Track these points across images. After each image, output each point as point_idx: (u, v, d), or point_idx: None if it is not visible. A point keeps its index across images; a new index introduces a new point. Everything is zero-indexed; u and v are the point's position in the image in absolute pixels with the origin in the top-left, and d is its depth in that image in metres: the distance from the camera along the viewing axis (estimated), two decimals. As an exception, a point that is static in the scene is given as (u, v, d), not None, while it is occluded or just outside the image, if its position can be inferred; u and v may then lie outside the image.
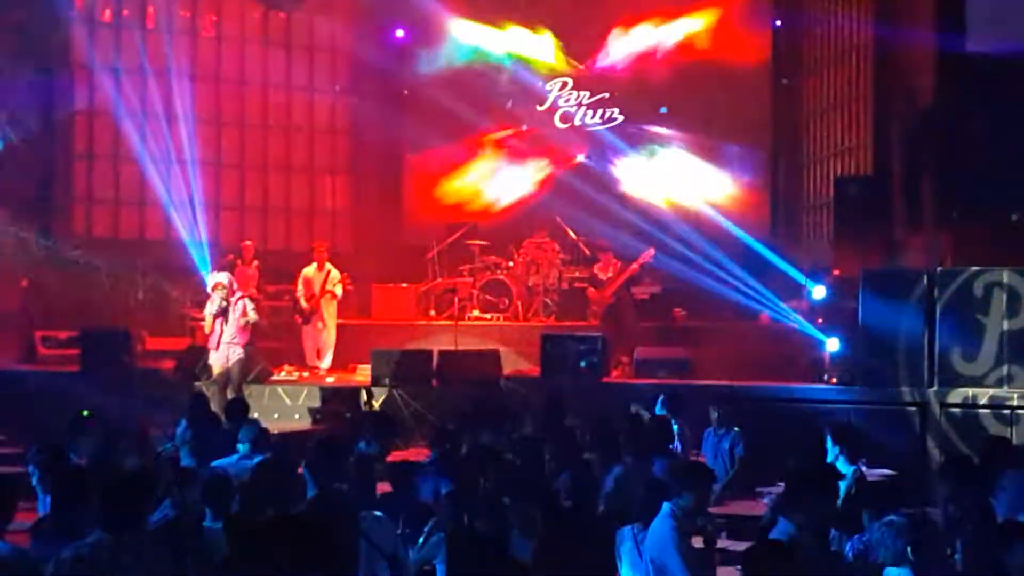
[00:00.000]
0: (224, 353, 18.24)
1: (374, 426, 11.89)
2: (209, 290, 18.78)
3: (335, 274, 21.43)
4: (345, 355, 21.60)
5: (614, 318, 20.92)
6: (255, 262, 21.99)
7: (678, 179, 24.81)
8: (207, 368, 18.87)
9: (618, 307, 21.06)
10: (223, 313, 18.24)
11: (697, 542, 9.21)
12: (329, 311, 21.46)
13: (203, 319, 18.76)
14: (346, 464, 9.71)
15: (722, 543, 10.72)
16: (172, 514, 8.89)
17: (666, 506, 8.62)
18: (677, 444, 13.27)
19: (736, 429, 14.41)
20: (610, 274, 21.19)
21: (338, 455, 9.36)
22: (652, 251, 21.32)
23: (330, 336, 21.51)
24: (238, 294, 18.56)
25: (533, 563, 8.48)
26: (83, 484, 8.08)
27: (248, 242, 22.53)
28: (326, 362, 21.35)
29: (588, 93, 25.82)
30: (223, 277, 18.83)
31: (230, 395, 17.60)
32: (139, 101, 24.28)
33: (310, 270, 21.53)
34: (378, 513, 8.91)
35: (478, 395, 16.52)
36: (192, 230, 23.28)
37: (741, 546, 10.58)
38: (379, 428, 11.82)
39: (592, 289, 21.39)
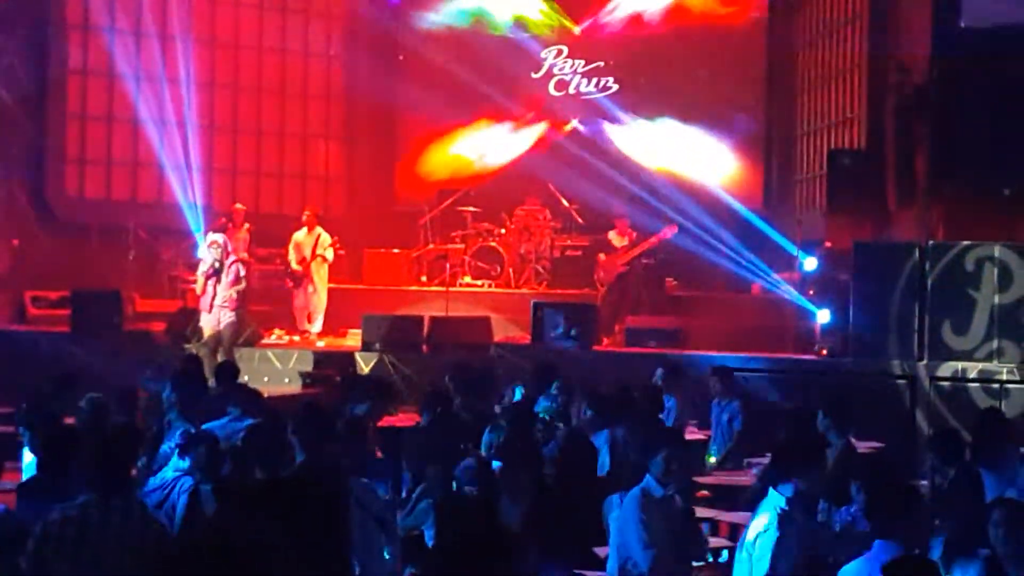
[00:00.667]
0: (215, 316, 18.27)
1: (371, 389, 11.88)
2: (204, 249, 18.79)
3: (325, 238, 21.42)
4: (336, 319, 21.61)
5: (621, 287, 20.96)
6: (246, 225, 21.95)
7: (672, 147, 24.72)
8: (198, 330, 18.88)
9: (628, 277, 21.08)
10: (216, 274, 18.26)
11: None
12: (320, 275, 21.46)
13: (195, 280, 18.78)
14: (334, 428, 9.71)
15: (711, 514, 10.78)
16: (170, 477, 8.90)
17: (646, 478, 8.60)
18: (671, 415, 13.29)
19: (736, 401, 14.39)
20: (625, 242, 21.20)
21: (324, 419, 9.35)
22: (675, 228, 21.33)
23: (321, 300, 21.51)
24: (232, 257, 18.58)
25: (522, 529, 8.49)
26: (71, 445, 8.08)
27: (239, 206, 22.47)
28: (316, 326, 21.36)
29: (583, 61, 25.75)
30: (219, 237, 18.83)
31: (220, 358, 17.59)
32: (133, 62, 24.20)
33: (300, 234, 21.54)
34: (365, 480, 8.92)
35: (468, 361, 16.52)
36: (185, 193, 23.25)
37: (730, 516, 10.65)
38: (375, 392, 11.82)
39: (603, 255, 21.38)
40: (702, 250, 21.81)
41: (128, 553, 6.94)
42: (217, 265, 18.29)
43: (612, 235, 21.48)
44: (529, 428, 10.78)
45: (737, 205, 22.62)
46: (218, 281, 18.24)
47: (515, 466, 9.36)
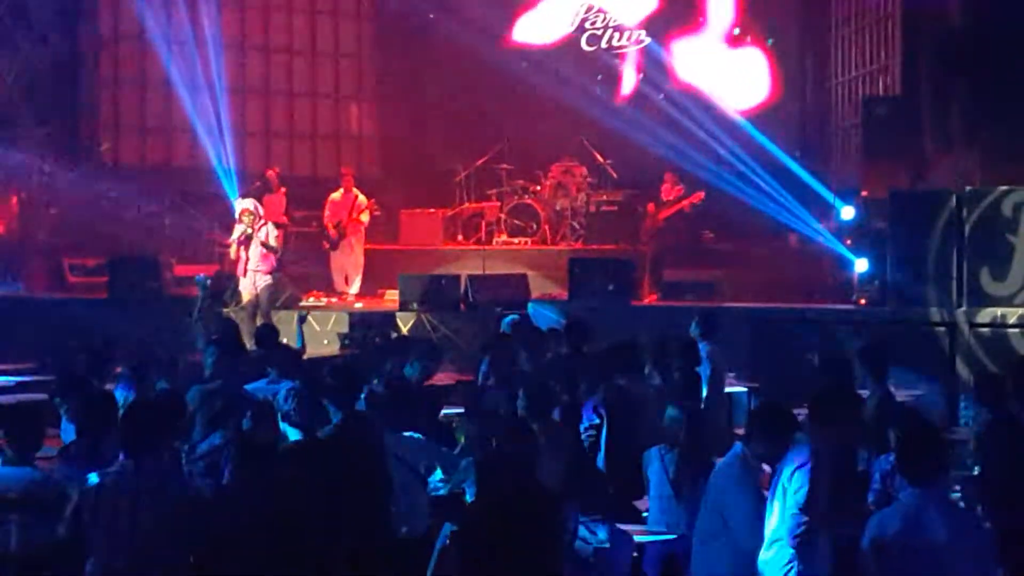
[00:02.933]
0: (251, 280, 18.38)
1: (418, 349, 11.89)
2: (236, 216, 18.85)
3: (362, 199, 21.43)
4: (373, 280, 21.65)
5: (659, 242, 20.94)
6: (282, 188, 21.95)
7: (709, 89, 24.45)
8: (236, 294, 18.95)
9: (665, 232, 21.06)
10: (248, 239, 18.35)
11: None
12: (357, 237, 21.48)
13: (230, 245, 18.85)
14: (363, 388, 9.75)
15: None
16: (219, 442, 8.91)
17: (737, 446, 8.54)
18: (707, 366, 13.24)
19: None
20: (671, 198, 21.16)
21: (353, 380, 9.36)
22: (702, 194, 21.26)
23: (358, 261, 21.54)
24: (262, 221, 18.62)
25: (562, 485, 8.49)
26: (108, 411, 8.11)
27: (274, 170, 22.44)
28: (354, 287, 21.40)
29: (614, 16, 25.63)
30: (249, 203, 18.91)
31: (259, 322, 17.65)
32: (164, 26, 24.22)
33: (337, 196, 21.54)
34: (412, 434, 8.94)
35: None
36: (219, 157, 23.29)
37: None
38: (423, 351, 11.83)
39: (652, 204, 21.33)
40: (740, 198, 21.71)
41: (163, 516, 6.98)
42: (249, 231, 18.38)
43: (663, 188, 21.40)
44: (566, 384, 10.77)
45: (777, 149, 22.35)
46: (249, 247, 18.34)
47: (550, 422, 9.36)
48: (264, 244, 18.40)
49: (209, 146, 23.37)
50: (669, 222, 21.15)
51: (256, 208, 18.80)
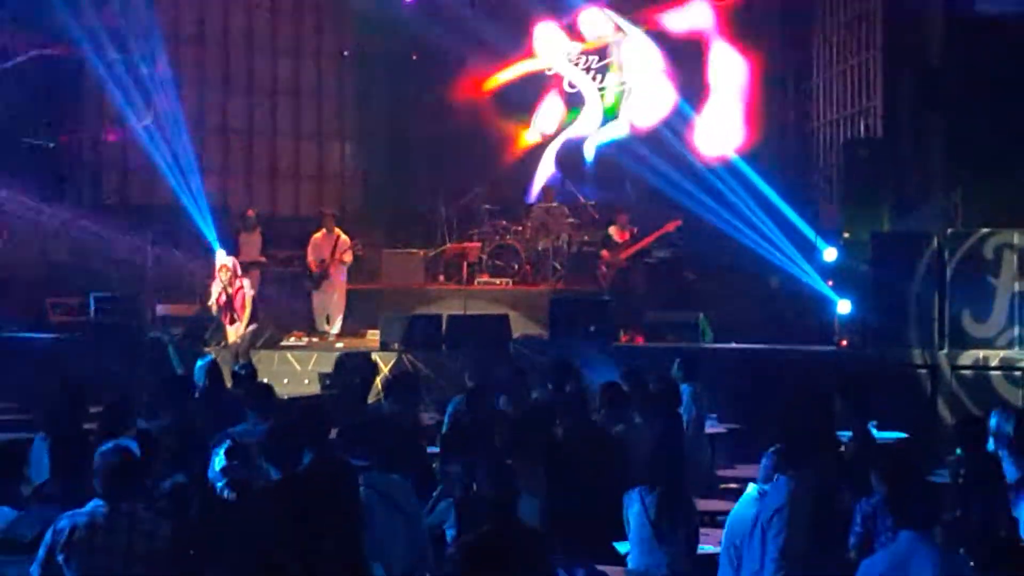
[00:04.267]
0: (236, 327, 18.57)
1: (398, 388, 11.86)
2: (216, 270, 18.98)
3: (344, 239, 21.43)
4: (355, 320, 21.61)
5: (624, 283, 20.90)
6: (258, 229, 21.94)
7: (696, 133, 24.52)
8: (218, 334, 18.93)
9: (629, 272, 21.03)
10: (228, 302, 18.53)
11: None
12: (339, 276, 21.47)
13: (211, 307, 18.98)
14: (336, 426, 9.75)
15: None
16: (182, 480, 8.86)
17: (754, 488, 8.50)
18: (689, 407, 13.23)
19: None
20: (627, 238, 21.14)
21: (325, 419, 9.35)
22: (677, 222, 21.28)
23: (340, 301, 21.52)
24: (239, 280, 18.77)
25: (541, 524, 8.46)
26: (84, 451, 8.07)
27: (251, 212, 22.41)
28: (335, 327, 21.37)
29: (597, 57, 25.74)
30: (229, 260, 18.98)
31: (240, 360, 17.63)
32: (147, 67, 24.24)
33: (319, 236, 21.54)
34: (395, 476, 8.90)
35: (488, 359, 16.50)
36: (201, 196, 23.27)
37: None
38: (401, 390, 11.80)
39: (605, 251, 21.34)
40: (724, 238, 21.74)
41: (137, 558, 6.94)
42: (229, 290, 18.56)
43: (612, 230, 21.41)
44: (545, 423, 10.74)
45: (764, 185, 22.28)
46: (231, 309, 18.55)
47: (530, 461, 9.33)
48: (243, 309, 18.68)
49: (191, 185, 23.37)
50: (631, 260, 21.12)
51: (235, 266, 18.90)
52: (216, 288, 18.94)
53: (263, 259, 21.63)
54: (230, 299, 18.73)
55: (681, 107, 24.67)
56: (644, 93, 25.29)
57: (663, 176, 23.26)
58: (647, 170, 23.57)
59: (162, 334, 18.95)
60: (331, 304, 21.48)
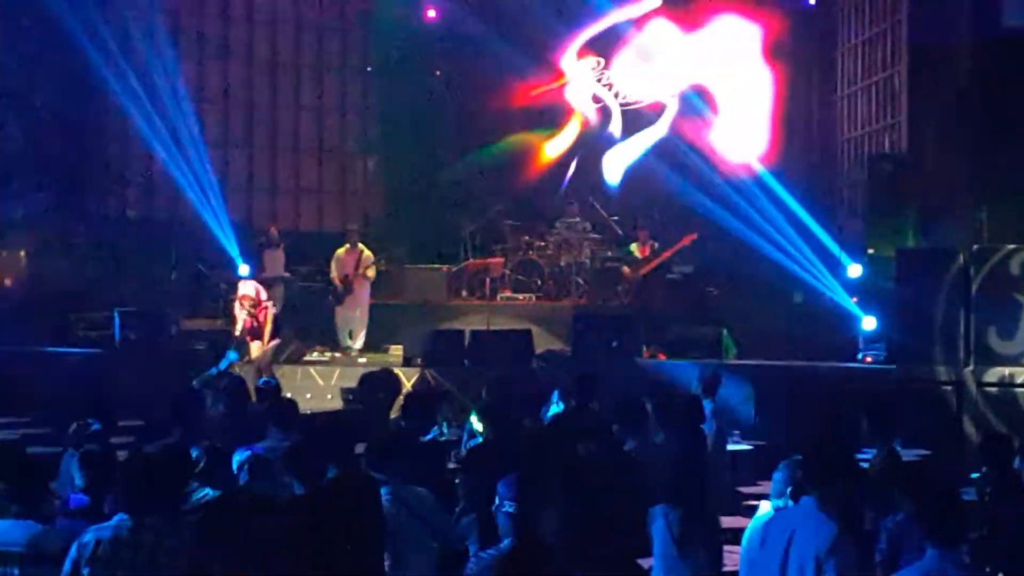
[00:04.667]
0: (261, 344, 18.58)
1: (416, 403, 11.85)
2: (238, 297, 18.97)
3: (367, 255, 21.44)
4: (378, 336, 21.62)
5: (644, 298, 20.87)
6: (281, 245, 21.98)
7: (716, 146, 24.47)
8: (240, 349, 18.93)
9: (648, 287, 21.00)
10: (252, 331, 18.57)
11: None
12: (362, 292, 21.48)
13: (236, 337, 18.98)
14: (359, 441, 9.71)
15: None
16: (212, 495, 8.85)
17: (771, 507, 8.46)
18: (711, 423, 13.18)
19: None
20: (647, 253, 21.12)
21: (348, 433, 9.33)
22: (693, 236, 21.26)
23: (363, 317, 21.54)
24: (264, 304, 18.77)
25: (560, 540, 8.43)
26: (109, 465, 8.08)
27: (274, 228, 22.45)
28: (359, 343, 21.37)
29: (620, 72, 25.75)
30: (250, 288, 18.93)
31: (264, 375, 17.64)
32: (171, 83, 24.35)
33: (342, 251, 21.56)
34: (420, 489, 8.88)
35: (510, 376, 16.47)
36: (225, 211, 23.35)
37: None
38: (421, 406, 11.78)
39: (626, 267, 21.33)
40: (748, 253, 21.71)
41: (160, 574, 6.93)
42: (255, 314, 18.59)
43: (634, 246, 21.40)
44: (564, 439, 10.71)
45: (790, 199, 22.22)
46: (257, 319, 18.57)
47: (550, 477, 9.30)
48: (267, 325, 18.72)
49: (215, 201, 23.43)
50: (650, 275, 21.08)
51: (257, 292, 18.88)
52: (241, 315, 18.92)
53: (287, 275, 21.70)
54: (256, 324, 18.73)
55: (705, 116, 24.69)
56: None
57: (686, 190, 23.26)
58: (670, 183, 23.59)
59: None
60: (354, 319, 21.50)
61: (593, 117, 25.82)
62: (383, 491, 8.64)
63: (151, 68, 24.18)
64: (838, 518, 7.46)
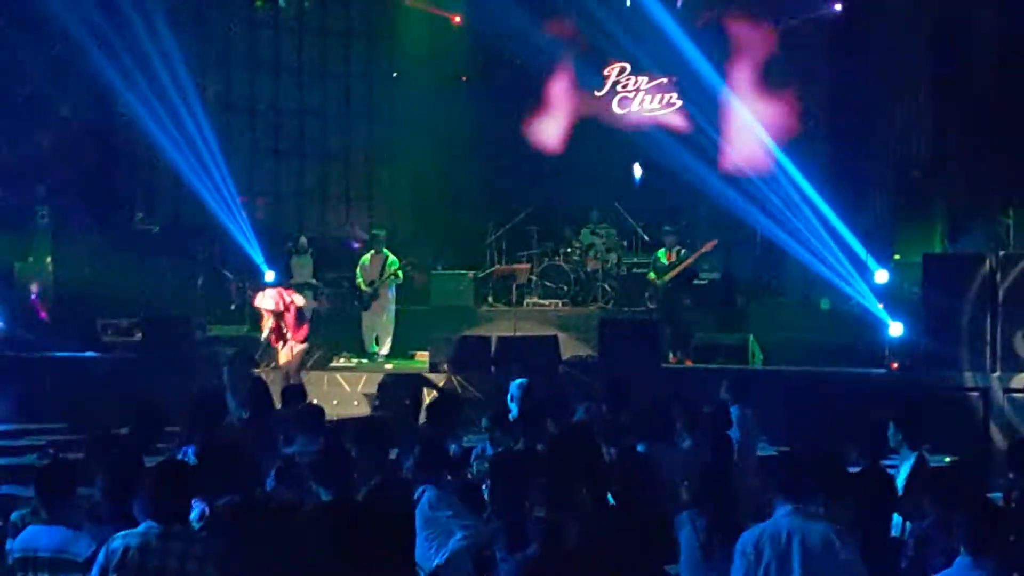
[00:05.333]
0: (288, 347, 18.46)
1: (441, 410, 11.86)
2: (263, 299, 18.90)
3: (393, 260, 21.45)
4: (404, 342, 21.63)
5: (671, 304, 20.83)
6: (309, 252, 22.02)
7: (745, 146, 24.43)
8: (268, 354, 18.95)
9: (675, 294, 20.96)
10: (279, 332, 18.45)
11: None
12: (388, 297, 21.50)
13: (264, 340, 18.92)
14: (395, 446, 9.72)
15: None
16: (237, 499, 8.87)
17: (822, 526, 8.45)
18: (737, 430, 13.17)
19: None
20: (673, 259, 21.09)
21: (387, 438, 9.35)
22: (714, 242, 21.23)
23: (389, 323, 21.54)
24: (291, 303, 18.68)
25: (585, 545, 8.42)
26: (136, 470, 8.10)
27: (303, 236, 22.45)
28: (385, 348, 21.39)
29: (646, 78, 25.75)
30: (269, 302, 18.80)
31: (292, 381, 17.65)
32: (197, 89, 24.46)
33: (367, 257, 21.57)
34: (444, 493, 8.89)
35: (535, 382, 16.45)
36: (252, 218, 23.41)
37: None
38: (446, 412, 11.78)
39: (652, 273, 21.31)
40: (773, 258, 21.68)
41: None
42: (282, 323, 18.52)
43: (661, 253, 21.34)
44: (590, 445, 10.69)
45: (819, 199, 22.17)
46: (283, 321, 18.48)
47: (578, 483, 9.29)
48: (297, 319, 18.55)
49: (242, 207, 23.51)
50: (675, 282, 21.03)
51: (279, 298, 18.73)
52: (267, 323, 18.83)
53: (315, 282, 21.76)
54: (282, 331, 18.63)
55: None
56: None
57: (711, 195, 23.26)
58: (695, 189, 23.59)
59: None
60: (380, 325, 21.51)
61: (619, 122, 25.83)
62: (428, 491, 8.65)
63: (177, 75, 24.29)
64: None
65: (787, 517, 7.76)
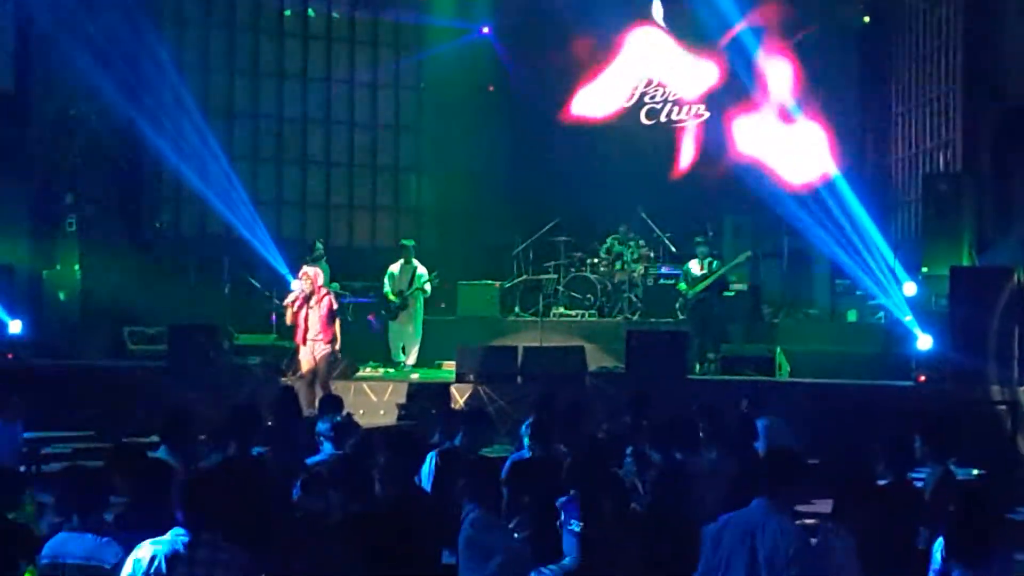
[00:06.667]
0: (310, 349, 18.27)
1: (467, 421, 11.84)
2: (295, 282, 18.82)
3: (422, 271, 21.46)
4: (431, 351, 21.64)
5: (700, 315, 20.80)
6: (324, 258, 21.94)
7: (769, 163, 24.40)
8: (293, 363, 18.97)
9: (705, 305, 20.92)
10: (305, 301, 18.24)
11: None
12: (415, 307, 21.51)
13: (287, 307, 18.71)
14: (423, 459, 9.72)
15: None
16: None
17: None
18: (763, 442, 13.15)
19: None
20: (704, 271, 21.05)
21: (416, 450, 9.34)
22: (748, 254, 21.22)
23: (416, 333, 21.54)
24: (324, 291, 18.54)
25: (619, 557, 8.43)
26: (163, 479, 8.12)
27: (319, 242, 22.36)
28: (411, 358, 21.39)
29: (673, 90, 25.76)
30: (310, 270, 18.74)
31: (317, 391, 17.65)
32: (226, 99, 24.59)
33: (396, 267, 21.59)
34: (479, 510, 8.85)
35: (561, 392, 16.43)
36: (278, 226, 23.43)
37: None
38: (472, 424, 11.78)
39: (683, 285, 21.28)
40: (801, 269, 21.64)
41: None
42: (307, 292, 18.27)
43: (692, 264, 21.28)
44: (612, 457, 10.68)
45: (859, 207, 22.11)
46: (307, 315, 18.26)
47: (597, 495, 9.29)
48: (328, 312, 18.33)
49: (269, 216, 23.57)
50: (706, 292, 20.99)
51: (316, 275, 18.63)
52: (295, 289, 18.61)
53: (337, 287, 21.71)
54: (308, 298, 18.35)
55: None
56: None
57: (741, 206, 23.26)
58: (724, 199, 23.60)
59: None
60: (407, 335, 21.52)
61: (646, 132, 25.85)
62: (472, 511, 8.56)
63: (208, 84, 24.41)
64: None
65: (758, 510, 7.88)
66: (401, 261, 21.61)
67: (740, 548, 7.85)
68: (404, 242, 22.31)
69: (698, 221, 23.24)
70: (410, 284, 21.39)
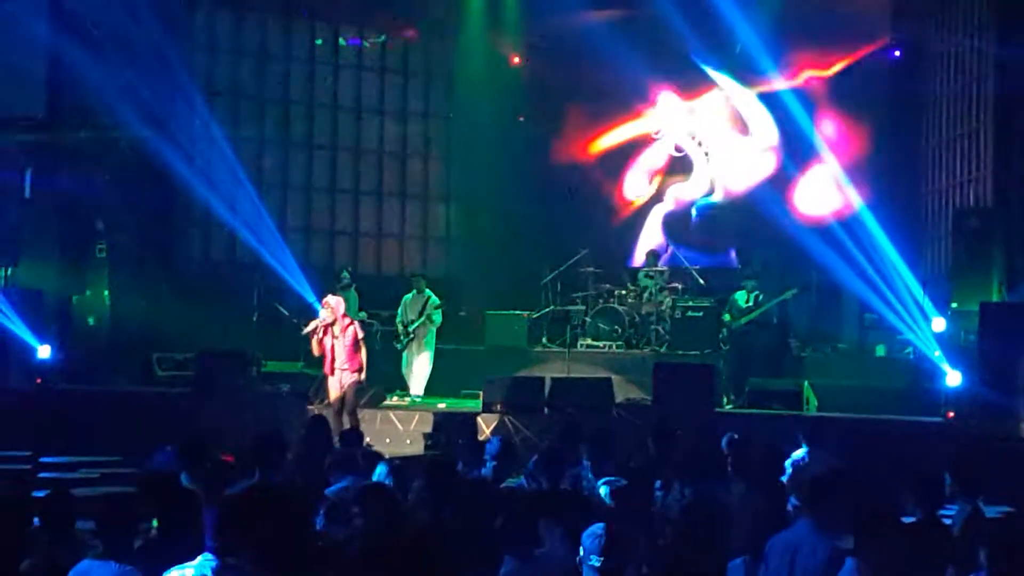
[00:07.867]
0: (338, 378, 18.22)
1: (509, 462, 11.79)
2: (321, 311, 18.77)
3: (434, 300, 21.42)
4: (457, 381, 21.60)
5: (742, 345, 20.81)
6: (354, 285, 21.94)
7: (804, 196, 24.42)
8: (321, 392, 18.96)
9: (749, 336, 20.93)
10: (329, 330, 18.16)
11: None
12: (427, 338, 21.44)
13: (308, 334, 18.60)
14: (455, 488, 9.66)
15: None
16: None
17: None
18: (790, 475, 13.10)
19: None
20: (749, 303, 21.05)
21: (451, 479, 9.32)
22: (794, 291, 21.23)
23: (425, 363, 21.46)
24: (347, 320, 18.45)
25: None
26: (191, 507, 8.12)
27: (346, 271, 22.33)
28: (417, 388, 21.31)
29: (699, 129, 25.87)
30: (332, 299, 18.65)
31: (345, 419, 17.65)
32: (256, 127, 24.68)
33: (409, 297, 21.58)
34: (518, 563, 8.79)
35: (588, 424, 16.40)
36: (306, 254, 23.47)
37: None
38: (499, 454, 11.75)
39: (728, 316, 21.26)
40: (829, 303, 21.61)
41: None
42: (325, 324, 18.18)
43: (740, 295, 21.28)
44: (645, 489, 10.65)
45: (887, 243, 22.06)
46: (334, 343, 18.18)
47: (635, 530, 9.24)
48: (354, 342, 18.26)
49: (297, 243, 23.62)
50: (750, 325, 21.00)
51: (338, 304, 18.56)
52: (316, 320, 18.53)
53: (364, 316, 21.72)
54: (330, 326, 18.28)
55: (785, 169, 24.69)
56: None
57: (771, 239, 23.24)
58: (759, 235, 23.58)
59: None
60: (417, 365, 21.43)
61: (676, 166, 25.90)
62: (508, 562, 8.48)
63: (237, 113, 24.51)
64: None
65: (802, 528, 8.14)
66: (414, 291, 21.60)
67: (781, 566, 7.86)
68: (413, 276, 22.29)
69: (725, 254, 23.25)
70: (421, 314, 21.36)
